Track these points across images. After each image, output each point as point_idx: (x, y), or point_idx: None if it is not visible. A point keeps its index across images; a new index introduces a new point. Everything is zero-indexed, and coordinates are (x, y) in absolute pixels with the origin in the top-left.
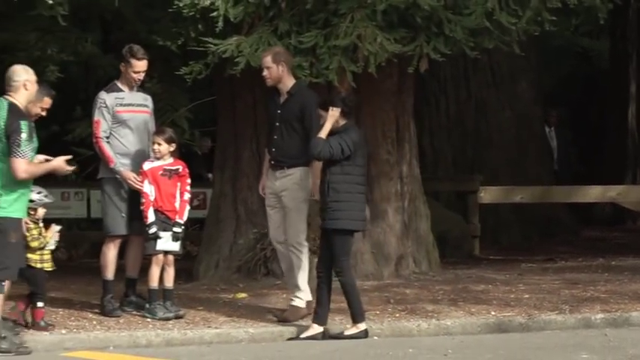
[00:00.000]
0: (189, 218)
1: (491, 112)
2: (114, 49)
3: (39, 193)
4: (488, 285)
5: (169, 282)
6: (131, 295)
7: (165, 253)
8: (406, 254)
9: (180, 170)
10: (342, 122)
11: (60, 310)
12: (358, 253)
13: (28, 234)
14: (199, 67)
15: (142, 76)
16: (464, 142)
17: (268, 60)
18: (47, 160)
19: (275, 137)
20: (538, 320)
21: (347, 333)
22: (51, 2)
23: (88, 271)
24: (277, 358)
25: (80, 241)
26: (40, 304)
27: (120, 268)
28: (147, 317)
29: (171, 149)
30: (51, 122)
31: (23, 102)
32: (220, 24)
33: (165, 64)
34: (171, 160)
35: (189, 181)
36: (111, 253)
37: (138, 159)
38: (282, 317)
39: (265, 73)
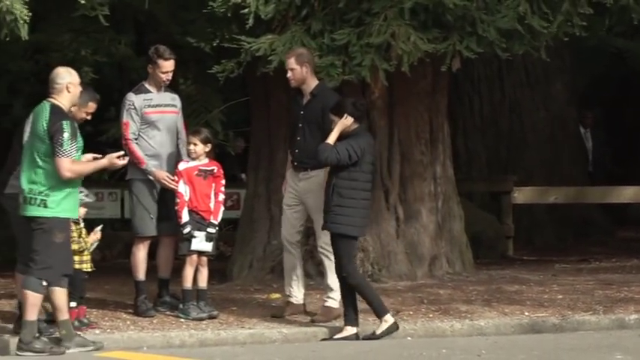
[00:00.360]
0: (222, 219)
1: (526, 113)
2: (147, 51)
3: (80, 192)
4: (521, 285)
5: (203, 282)
6: (165, 296)
7: (199, 253)
8: (440, 255)
9: (216, 171)
10: (353, 127)
11: (94, 310)
12: (392, 253)
13: None
14: (231, 65)
15: (170, 76)
16: (498, 143)
17: (292, 61)
18: (95, 159)
19: (298, 138)
20: (572, 321)
21: (379, 332)
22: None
23: (121, 271)
24: (311, 358)
25: (114, 242)
26: (72, 304)
27: (152, 269)
28: (180, 317)
29: (207, 149)
30: (85, 123)
31: (66, 104)
32: (251, 21)
33: (199, 65)
34: (206, 160)
35: (223, 182)
36: (140, 253)
37: (167, 159)
38: (316, 318)
39: (289, 74)
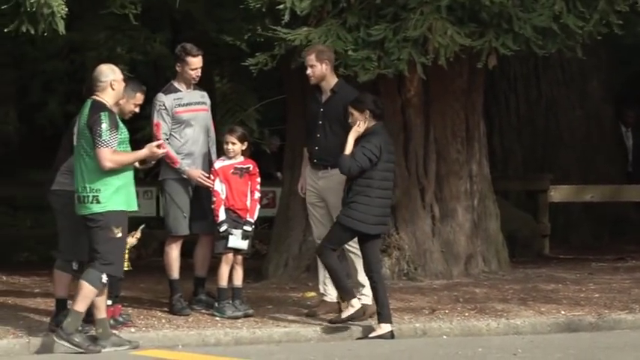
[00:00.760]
0: (258, 217)
1: (562, 111)
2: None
3: None
4: (558, 284)
5: (238, 281)
6: (200, 294)
7: (235, 251)
8: (476, 253)
9: (251, 169)
10: (371, 124)
11: (129, 308)
12: (428, 251)
13: None
14: (265, 58)
15: (199, 72)
16: (534, 141)
17: (312, 58)
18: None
19: (318, 136)
20: (608, 320)
21: (344, 315)
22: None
23: (156, 269)
24: (346, 356)
25: (149, 240)
26: (108, 302)
27: (186, 267)
28: (216, 316)
29: (244, 148)
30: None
31: (110, 101)
32: (287, 17)
33: (235, 63)
34: (241, 158)
35: (259, 179)
36: (174, 252)
37: (200, 157)
38: (352, 316)
39: (309, 71)
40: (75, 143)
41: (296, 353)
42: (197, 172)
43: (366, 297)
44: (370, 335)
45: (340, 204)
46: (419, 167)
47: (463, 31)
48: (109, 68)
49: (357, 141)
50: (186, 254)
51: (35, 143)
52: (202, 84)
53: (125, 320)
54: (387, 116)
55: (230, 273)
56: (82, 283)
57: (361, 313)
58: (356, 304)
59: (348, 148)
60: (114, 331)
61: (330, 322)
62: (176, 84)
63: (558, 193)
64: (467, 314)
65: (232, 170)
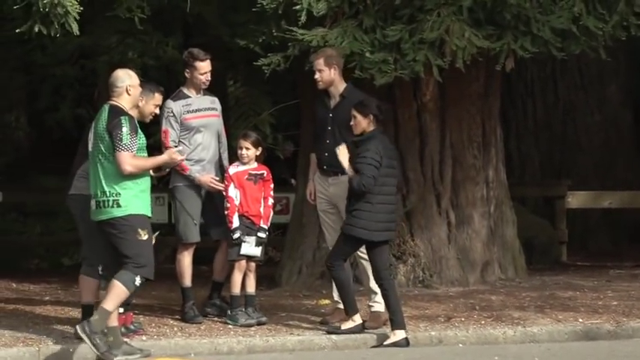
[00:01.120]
0: (271, 223)
1: (580, 116)
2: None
3: None
4: (575, 292)
5: (251, 288)
6: (215, 298)
7: (248, 258)
8: (492, 260)
9: (265, 175)
10: (371, 128)
11: (140, 316)
12: (443, 259)
13: None
14: (278, 59)
15: (208, 76)
16: (551, 147)
17: (320, 62)
18: None
19: (327, 141)
20: (627, 328)
21: (343, 327)
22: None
23: (168, 277)
24: None
25: (161, 247)
26: (120, 310)
27: (198, 274)
28: (228, 324)
29: (258, 153)
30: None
31: (127, 106)
32: (303, 18)
33: (248, 67)
34: (255, 164)
35: (272, 186)
36: (186, 260)
37: (210, 164)
38: (367, 325)
39: (317, 76)
40: (90, 149)
41: None
42: (207, 178)
43: (378, 304)
44: (385, 343)
45: None
46: (435, 173)
47: (481, 34)
48: (125, 73)
49: (355, 144)
50: (198, 261)
51: (46, 148)
52: (215, 88)
53: (136, 328)
54: (402, 121)
55: (243, 280)
56: (114, 283)
57: (360, 329)
58: (357, 319)
59: (349, 169)
60: (125, 340)
61: (328, 331)
62: (185, 90)
63: (576, 200)
64: (483, 322)
65: (247, 176)
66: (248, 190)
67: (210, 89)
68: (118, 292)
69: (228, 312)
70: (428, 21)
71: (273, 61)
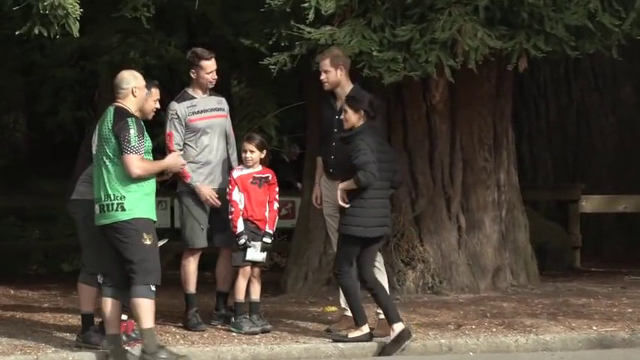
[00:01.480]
0: (276, 228)
1: (594, 118)
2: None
3: None
4: (589, 298)
5: (256, 295)
6: (222, 309)
7: (253, 264)
8: (503, 266)
9: (270, 178)
10: (360, 123)
11: None
12: (453, 264)
13: None
14: (284, 58)
15: (215, 75)
16: (564, 149)
17: (327, 63)
18: None
19: (333, 144)
20: None
21: (351, 335)
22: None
23: (171, 283)
24: None
25: (163, 253)
26: (123, 317)
27: (203, 281)
28: (232, 331)
29: (262, 156)
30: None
31: (133, 108)
32: (311, 16)
33: (253, 67)
34: (260, 167)
35: (277, 189)
36: (191, 266)
37: (217, 166)
38: (375, 332)
39: (323, 77)
40: (94, 152)
41: None
42: (206, 191)
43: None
44: (387, 340)
45: None
46: (444, 176)
47: (493, 34)
48: (130, 75)
49: (344, 140)
50: (202, 267)
51: (45, 151)
52: (219, 88)
53: (138, 336)
54: (411, 123)
55: (247, 287)
56: (135, 301)
57: (368, 337)
58: (365, 329)
59: (349, 185)
60: (126, 348)
61: (334, 339)
62: (190, 91)
63: (590, 204)
64: (494, 330)
65: (251, 180)
66: (253, 194)
67: (215, 89)
68: (143, 307)
69: (232, 319)
70: (439, 20)
71: (280, 60)
